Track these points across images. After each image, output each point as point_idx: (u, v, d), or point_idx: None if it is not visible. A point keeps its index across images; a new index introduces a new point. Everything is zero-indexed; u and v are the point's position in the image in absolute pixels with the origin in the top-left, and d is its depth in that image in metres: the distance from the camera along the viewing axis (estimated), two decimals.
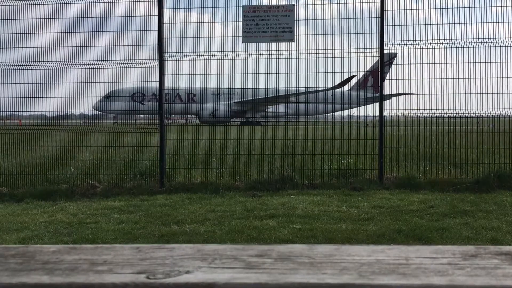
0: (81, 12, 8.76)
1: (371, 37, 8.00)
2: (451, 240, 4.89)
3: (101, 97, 9.79)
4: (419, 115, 8.17)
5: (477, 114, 7.95)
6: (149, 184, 7.86)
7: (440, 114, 8.08)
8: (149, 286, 0.65)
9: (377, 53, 7.87)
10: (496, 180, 7.65)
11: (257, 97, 12.14)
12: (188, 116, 14.27)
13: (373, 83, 11.27)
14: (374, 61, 9.38)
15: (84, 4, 8.48)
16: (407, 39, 7.87)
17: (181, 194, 7.36)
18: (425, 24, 8.22)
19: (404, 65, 8.02)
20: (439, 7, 9.21)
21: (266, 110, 14.23)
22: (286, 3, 8.13)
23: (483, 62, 7.81)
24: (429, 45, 7.85)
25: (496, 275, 0.65)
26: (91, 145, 8.94)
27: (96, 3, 8.37)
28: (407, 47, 7.86)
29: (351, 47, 8.13)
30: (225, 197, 7.17)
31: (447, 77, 7.88)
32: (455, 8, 8.43)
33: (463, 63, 7.88)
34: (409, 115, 8.31)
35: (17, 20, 8.34)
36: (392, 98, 8.17)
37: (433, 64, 8.01)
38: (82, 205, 6.79)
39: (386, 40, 7.81)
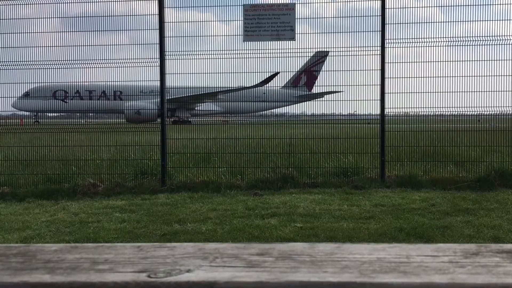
0: (81, 11, 8.77)
1: (372, 35, 7.99)
2: (453, 239, 4.89)
3: (20, 95, 9.24)
4: (420, 113, 8.16)
5: (478, 112, 7.94)
6: (151, 183, 7.87)
7: (441, 112, 8.08)
8: (150, 285, 0.65)
9: (378, 51, 7.85)
10: (497, 179, 7.64)
11: (186, 95, 11.80)
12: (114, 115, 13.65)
13: (306, 81, 11.25)
14: (307, 60, 9.38)
15: (85, 3, 8.49)
16: (408, 37, 7.87)
17: (183, 193, 7.37)
18: (426, 22, 8.21)
19: (405, 63, 8.01)
20: (440, 5, 9.19)
21: (197, 109, 13.81)
22: (287, 2, 8.12)
23: (485, 60, 7.81)
24: (430, 43, 7.84)
25: (497, 273, 0.65)
26: (92, 145, 8.95)
27: (97, 3, 8.38)
28: (408, 45, 7.85)
29: (352, 46, 8.12)
30: (226, 196, 7.18)
31: (449, 75, 7.87)
32: (456, 6, 8.42)
33: (465, 61, 7.87)
34: (411, 113, 8.30)
35: (17, 20, 8.35)
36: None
37: (434, 62, 8.00)
38: (83, 204, 6.80)
39: (387, 38, 7.80)
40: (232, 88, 9.74)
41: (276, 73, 8.92)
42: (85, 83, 7.99)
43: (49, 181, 7.98)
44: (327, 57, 8.81)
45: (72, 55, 8.20)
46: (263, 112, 12.50)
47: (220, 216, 5.91)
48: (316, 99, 9.41)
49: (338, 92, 8.29)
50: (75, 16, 8.69)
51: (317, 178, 8.08)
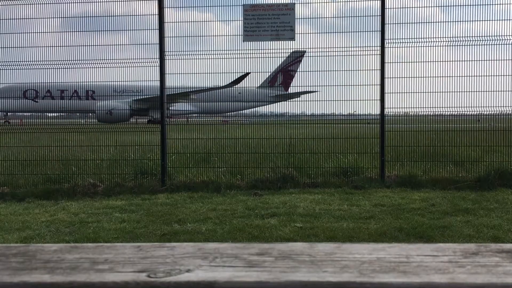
0: (81, 11, 8.77)
1: (372, 35, 7.99)
2: (453, 238, 4.89)
3: None
4: (420, 113, 8.16)
5: (478, 112, 7.94)
6: (151, 183, 7.87)
7: (441, 112, 8.08)
8: (150, 284, 0.65)
9: (378, 51, 7.85)
10: (497, 178, 7.64)
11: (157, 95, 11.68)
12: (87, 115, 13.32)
13: (282, 81, 11.20)
14: (283, 59, 9.36)
15: (84, 3, 8.49)
16: (408, 37, 7.86)
17: (183, 193, 7.37)
18: (426, 22, 8.21)
19: (405, 63, 8.01)
20: (440, 5, 9.20)
21: (171, 108, 13.50)
22: (286, 2, 8.12)
23: (485, 60, 7.81)
24: (430, 43, 7.84)
25: (496, 273, 0.65)
26: (92, 145, 8.95)
27: (97, 3, 8.38)
28: (408, 45, 7.85)
29: (352, 45, 8.12)
30: (226, 196, 7.18)
31: (449, 75, 7.87)
32: (456, 6, 8.42)
33: (465, 61, 7.87)
34: (411, 113, 8.31)
35: (18, 20, 8.35)
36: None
37: (434, 62, 8.00)
38: (83, 204, 6.80)
39: (387, 38, 7.80)
40: (204, 88, 9.63)
41: (247, 74, 8.88)
42: (57, 83, 7.90)
43: (49, 181, 7.98)
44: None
45: (71, 56, 8.20)
46: (240, 111, 12.37)
47: (220, 216, 5.91)
48: (293, 99, 9.38)
49: (314, 92, 8.29)
50: (74, 16, 8.69)
51: (317, 178, 8.08)
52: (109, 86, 10.33)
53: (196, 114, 14.15)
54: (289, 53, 9.17)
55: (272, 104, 11.64)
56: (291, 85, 11.04)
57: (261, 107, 11.96)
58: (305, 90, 8.63)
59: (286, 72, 10.84)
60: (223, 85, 9.20)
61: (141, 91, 12.45)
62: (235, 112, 12.46)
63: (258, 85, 10.35)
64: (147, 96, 12.35)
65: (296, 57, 9.56)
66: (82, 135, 9.54)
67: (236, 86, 9.56)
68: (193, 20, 8.66)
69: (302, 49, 8.57)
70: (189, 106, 13.81)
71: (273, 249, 0.76)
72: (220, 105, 10.59)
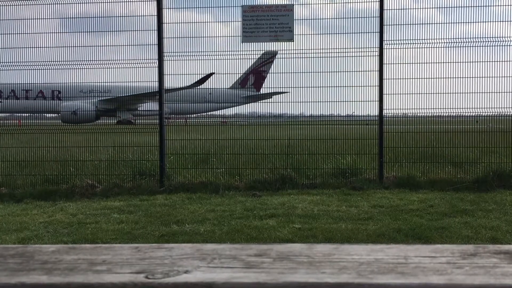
0: (80, 12, 8.76)
1: (370, 36, 8.00)
2: (451, 240, 4.90)
3: None
4: (419, 114, 8.17)
5: (477, 114, 7.95)
6: (149, 184, 7.86)
7: (440, 114, 8.09)
8: (148, 286, 0.65)
9: (377, 52, 7.86)
10: (495, 179, 7.65)
11: (126, 94, 11.29)
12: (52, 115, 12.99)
13: (253, 81, 11.14)
14: (255, 60, 9.33)
15: (83, 4, 8.48)
16: (406, 39, 7.88)
17: (181, 194, 7.37)
18: (425, 24, 8.22)
19: (403, 64, 8.02)
20: (438, 6, 9.21)
21: (140, 109, 13.32)
22: (285, 3, 8.13)
23: (483, 62, 7.82)
24: (428, 44, 7.85)
25: (495, 274, 0.65)
26: (90, 145, 8.94)
27: (95, 3, 8.37)
28: (406, 47, 7.86)
29: (351, 47, 8.13)
30: (224, 197, 7.18)
31: (447, 76, 7.89)
32: (454, 7, 8.43)
33: (463, 62, 7.89)
34: (409, 114, 8.31)
35: (16, 20, 8.34)
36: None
37: (433, 63, 8.01)
38: (81, 205, 6.79)
39: (385, 39, 7.81)
40: (168, 89, 9.50)
41: (210, 74, 8.82)
42: (22, 83, 7.84)
43: (47, 182, 7.96)
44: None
45: (70, 56, 8.19)
46: (210, 112, 12.26)
47: (218, 217, 5.90)
48: (264, 100, 9.32)
49: (285, 92, 8.30)
50: (72, 17, 8.69)
51: (316, 179, 8.08)
52: (76, 86, 10.07)
53: (167, 115, 13.95)
54: (261, 54, 9.15)
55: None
56: (272, 85, 10.97)
57: (245, 106, 11.87)
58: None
59: (257, 73, 10.76)
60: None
61: (110, 91, 12.27)
62: (210, 113, 12.40)
63: (229, 86, 10.28)
64: (115, 96, 12.12)
65: (268, 58, 9.53)
66: (80, 136, 9.53)
67: (201, 86, 9.45)
68: (192, 21, 8.67)
69: (274, 50, 8.55)
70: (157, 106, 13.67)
71: (272, 250, 0.76)
72: (191, 106, 10.46)
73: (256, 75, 10.87)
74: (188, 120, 13.38)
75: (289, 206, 6.47)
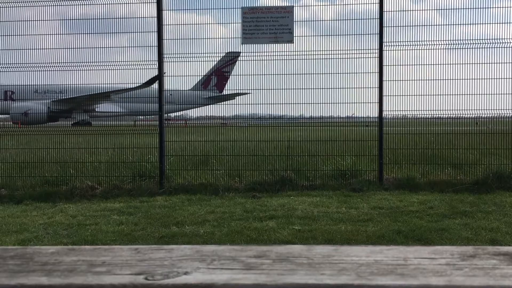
0: (80, 13, 8.77)
1: (370, 38, 8.01)
2: (451, 241, 4.90)
3: None
4: (418, 115, 8.18)
5: (476, 115, 7.96)
6: (149, 185, 7.86)
7: (439, 115, 8.09)
8: (148, 287, 0.65)
9: (376, 54, 7.87)
10: (495, 181, 7.65)
11: (81, 94, 10.95)
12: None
13: (216, 82, 11.03)
14: (217, 61, 9.26)
15: (83, 6, 8.49)
16: (406, 40, 7.88)
17: (181, 196, 7.36)
18: (424, 25, 8.23)
19: (403, 66, 8.03)
20: (438, 8, 9.22)
21: (97, 110, 12.98)
22: (285, 5, 8.14)
23: (483, 63, 7.83)
24: (428, 46, 7.86)
25: (494, 275, 0.65)
26: (90, 147, 8.93)
27: (96, 5, 8.38)
28: (405, 48, 7.87)
29: (350, 48, 8.14)
30: (224, 199, 7.17)
31: (447, 78, 7.89)
32: (454, 9, 8.44)
33: (463, 64, 7.89)
34: (409, 116, 8.32)
35: (16, 22, 8.34)
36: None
37: (432, 65, 8.02)
38: (81, 207, 6.79)
39: (385, 41, 7.81)
40: (123, 89, 9.22)
41: (161, 75, 8.69)
42: None
43: (47, 183, 7.96)
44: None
45: (69, 57, 8.20)
46: (173, 114, 12.10)
47: (218, 219, 5.90)
48: (225, 102, 9.27)
49: (246, 93, 8.29)
50: (72, 18, 8.69)
51: (315, 180, 8.08)
52: (30, 87, 9.76)
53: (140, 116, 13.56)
54: (223, 55, 9.10)
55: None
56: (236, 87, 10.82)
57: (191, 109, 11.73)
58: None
59: (220, 74, 10.66)
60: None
61: (65, 91, 11.87)
62: (172, 114, 12.25)
63: (190, 88, 10.16)
64: (66, 97, 11.75)
65: (231, 59, 9.46)
66: (80, 137, 9.53)
67: (150, 86, 9.28)
68: (191, 23, 8.67)
69: (237, 51, 8.52)
70: (117, 107, 13.23)
71: (271, 251, 0.76)
72: (148, 106, 10.25)
73: (218, 76, 10.75)
74: (188, 122, 13.34)
75: (289, 208, 6.47)
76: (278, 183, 7.78)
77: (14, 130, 10.14)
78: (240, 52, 8.45)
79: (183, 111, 12.18)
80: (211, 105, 11.20)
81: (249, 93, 8.17)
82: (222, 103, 10.20)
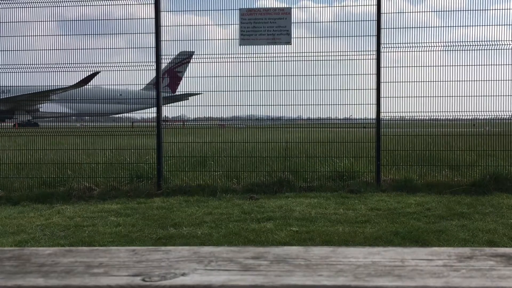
0: (78, 14, 8.76)
1: (368, 40, 8.02)
2: (448, 242, 4.90)
3: None
4: (416, 117, 8.19)
5: (473, 117, 7.98)
6: (146, 187, 7.85)
7: (437, 117, 8.11)
8: None
9: (374, 55, 7.88)
10: (492, 182, 7.67)
11: (22, 94, 10.44)
12: None
13: (168, 82, 10.86)
14: (170, 60, 9.15)
15: (81, 6, 8.48)
16: (404, 42, 7.90)
17: (178, 197, 7.36)
18: (422, 27, 8.25)
19: (401, 67, 8.04)
20: (435, 10, 9.24)
21: (41, 110, 12.47)
22: (283, 6, 8.15)
23: (480, 65, 7.85)
24: (425, 47, 7.88)
25: (491, 277, 0.66)
26: (88, 148, 8.92)
27: (94, 6, 8.38)
28: (403, 50, 7.89)
29: (348, 50, 8.15)
30: (222, 200, 7.17)
31: (444, 80, 7.91)
32: (451, 11, 8.46)
33: (460, 65, 7.91)
34: (406, 117, 8.33)
35: (14, 23, 8.33)
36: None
37: (429, 67, 8.04)
38: (79, 208, 6.78)
39: (382, 42, 7.83)
40: (62, 87, 8.93)
41: (97, 72, 8.41)
42: None
43: (44, 184, 7.95)
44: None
45: (67, 59, 8.18)
46: (123, 114, 11.81)
47: (216, 220, 5.90)
48: (179, 102, 9.19)
49: (199, 94, 8.24)
50: (70, 19, 8.68)
51: (313, 182, 8.08)
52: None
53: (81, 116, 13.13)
54: (176, 54, 9.00)
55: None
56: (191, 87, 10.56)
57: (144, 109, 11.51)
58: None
59: (173, 74, 10.48)
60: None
61: (7, 91, 11.39)
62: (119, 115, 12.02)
63: (142, 88, 10.00)
64: (4, 97, 11.37)
65: (184, 58, 9.34)
66: (78, 139, 9.51)
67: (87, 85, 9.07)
68: (189, 24, 8.68)
69: (191, 50, 8.42)
70: (64, 108, 12.69)
71: (269, 253, 0.76)
72: (98, 107, 10.09)
73: (171, 76, 10.58)
74: (186, 123, 13.27)
75: (286, 209, 6.47)
76: (276, 184, 7.78)
77: (12, 132, 10.12)
78: (194, 52, 8.31)
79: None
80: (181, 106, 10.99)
81: (200, 94, 8.08)
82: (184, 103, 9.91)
